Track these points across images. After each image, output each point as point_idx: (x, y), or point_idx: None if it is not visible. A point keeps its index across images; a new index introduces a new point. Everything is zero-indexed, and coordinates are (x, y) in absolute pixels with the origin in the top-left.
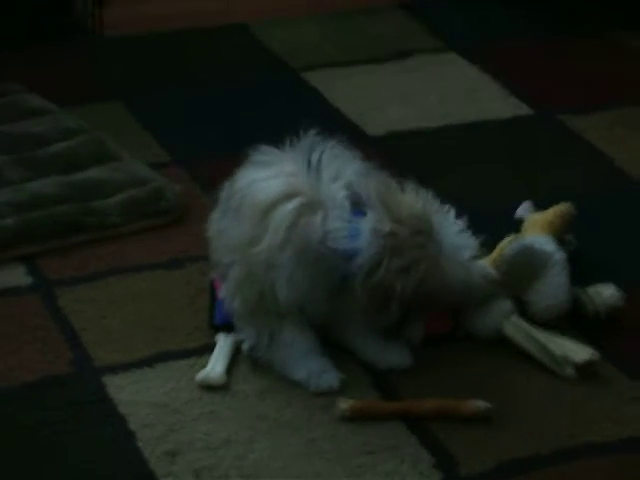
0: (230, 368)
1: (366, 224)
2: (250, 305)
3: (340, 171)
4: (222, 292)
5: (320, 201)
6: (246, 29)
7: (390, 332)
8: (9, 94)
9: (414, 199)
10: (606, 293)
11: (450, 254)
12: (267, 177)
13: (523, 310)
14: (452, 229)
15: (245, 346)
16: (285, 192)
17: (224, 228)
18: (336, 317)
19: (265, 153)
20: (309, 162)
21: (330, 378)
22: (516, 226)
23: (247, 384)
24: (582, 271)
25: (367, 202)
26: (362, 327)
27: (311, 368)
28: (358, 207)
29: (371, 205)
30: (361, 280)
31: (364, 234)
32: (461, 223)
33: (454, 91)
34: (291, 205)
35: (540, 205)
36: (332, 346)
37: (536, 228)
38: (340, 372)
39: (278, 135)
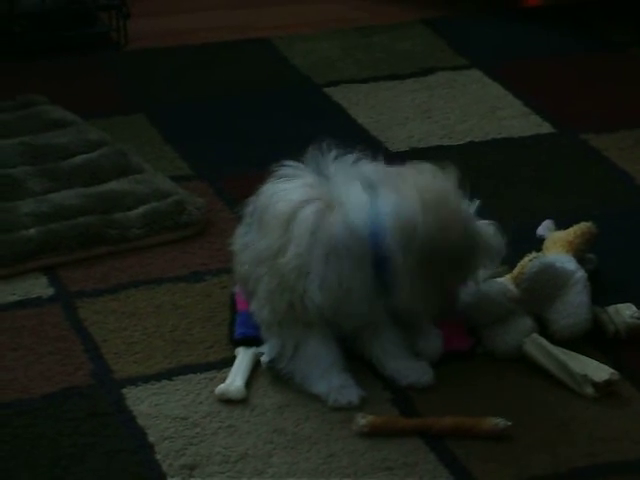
0: (249, 382)
1: (384, 200)
2: (279, 315)
3: (354, 172)
4: (251, 305)
5: (338, 200)
6: (269, 44)
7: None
8: (33, 105)
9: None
10: (626, 313)
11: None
12: (287, 189)
13: (543, 328)
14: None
15: (265, 358)
16: (303, 199)
17: (250, 242)
18: (365, 327)
19: (288, 167)
20: (325, 170)
21: (350, 394)
22: (537, 244)
23: (266, 398)
24: (602, 290)
25: (380, 181)
26: (387, 341)
27: (332, 382)
28: (373, 190)
29: (384, 182)
30: (402, 248)
31: (384, 209)
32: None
33: (476, 108)
34: (310, 209)
35: (561, 224)
36: (354, 361)
37: (557, 247)
38: (360, 388)
39: (301, 150)
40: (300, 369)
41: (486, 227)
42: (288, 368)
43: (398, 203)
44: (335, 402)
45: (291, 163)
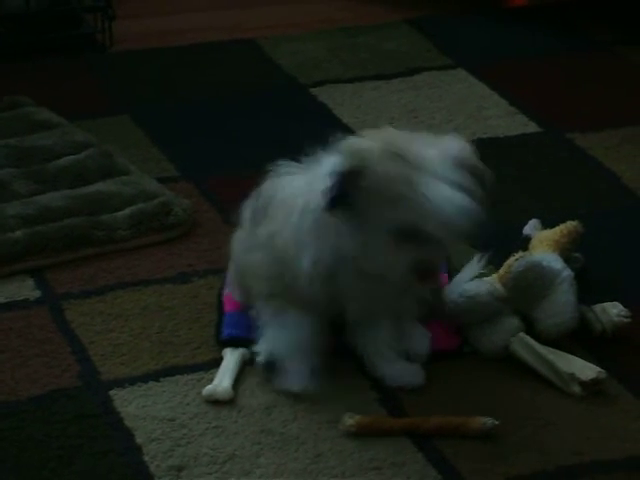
0: (237, 383)
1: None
2: (275, 291)
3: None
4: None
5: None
6: (255, 45)
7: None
8: (18, 107)
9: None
10: (613, 311)
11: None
12: (286, 184)
13: (530, 327)
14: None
15: (260, 359)
16: (299, 192)
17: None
18: (359, 323)
19: (286, 166)
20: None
21: (297, 380)
22: (523, 244)
23: (253, 399)
24: (589, 289)
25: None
26: (379, 342)
27: (294, 365)
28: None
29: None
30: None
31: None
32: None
33: (462, 108)
34: (304, 197)
35: (547, 223)
36: (342, 360)
37: (543, 246)
38: (317, 381)
39: (287, 150)
40: (277, 345)
41: (451, 193)
42: (266, 340)
43: (354, 150)
44: (281, 384)
45: (287, 162)
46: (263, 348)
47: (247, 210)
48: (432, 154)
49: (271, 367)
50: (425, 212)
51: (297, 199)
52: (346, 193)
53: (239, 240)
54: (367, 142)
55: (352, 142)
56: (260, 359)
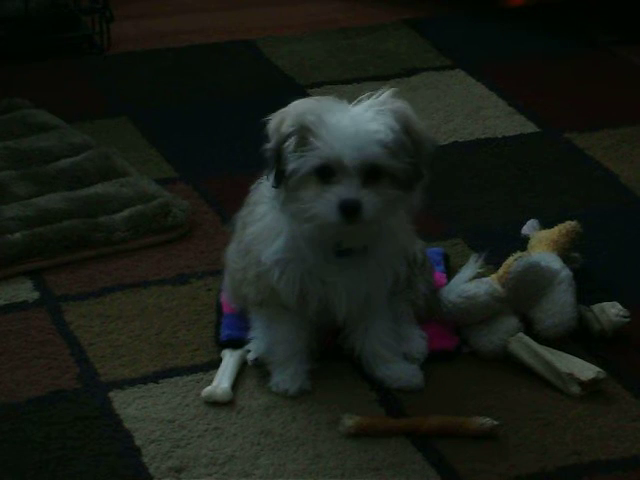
0: (236, 384)
1: None
2: (261, 296)
3: None
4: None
5: None
6: (253, 46)
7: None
8: (16, 109)
9: None
10: (611, 311)
11: None
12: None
13: (529, 327)
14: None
15: (251, 356)
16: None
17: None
18: (356, 325)
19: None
20: None
21: (292, 382)
22: (522, 244)
23: (253, 400)
24: (587, 289)
25: None
26: (378, 344)
27: (287, 370)
28: None
29: None
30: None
31: None
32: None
33: (460, 108)
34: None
35: (546, 223)
36: (341, 361)
37: (542, 246)
38: (308, 382)
39: None
40: (268, 349)
41: (357, 121)
42: (259, 345)
43: None
44: (275, 387)
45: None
46: (254, 347)
47: (238, 221)
48: (359, 104)
49: (260, 364)
50: (332, 142)
51: (264, 201)
52: (279, 166)
53: (231, 251)
54: (282, 111)
55: (272, 120)
56: (250, 356)
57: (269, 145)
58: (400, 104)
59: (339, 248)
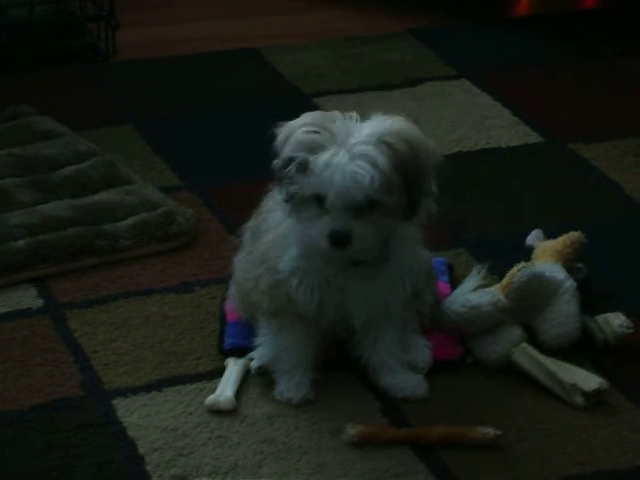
0: (239, 393)
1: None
2: (275, 306)
3: None
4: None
5: None
6: (258, 54)
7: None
8: (21, 117)
9: None
10: (615, 322)
11: None
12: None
13: (532, 338)
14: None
15: (254, 364)
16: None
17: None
18: (363, 336)
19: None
20: None
21: (297, 391)
22: (526, 254)
23: (256, 408)
24: (591, 299)
25: None
26: (384, 353)
27: (293, 379)
28: None
29: None
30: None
31: None
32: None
33: (465, 118)
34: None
35: (550, 233)
36: (345, 371)
37: (546, 256)
38: (313, 392)
39: None
40: (274, 357)
41: (345, 162)
42: (264, 352)
43: None
44: (279, 395)
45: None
46: (259, 355)
47: (247, 231)
48: (359, 129)
49: (263, 373)
50: (321, 179)
51: (279, 210)
52: (288, 187)
53: (240, 261)
54: (288, 127)
55: (279, 135)
56: (254, 364)
57: (277, 163)
58: (404, 132)
59: (350, 260)
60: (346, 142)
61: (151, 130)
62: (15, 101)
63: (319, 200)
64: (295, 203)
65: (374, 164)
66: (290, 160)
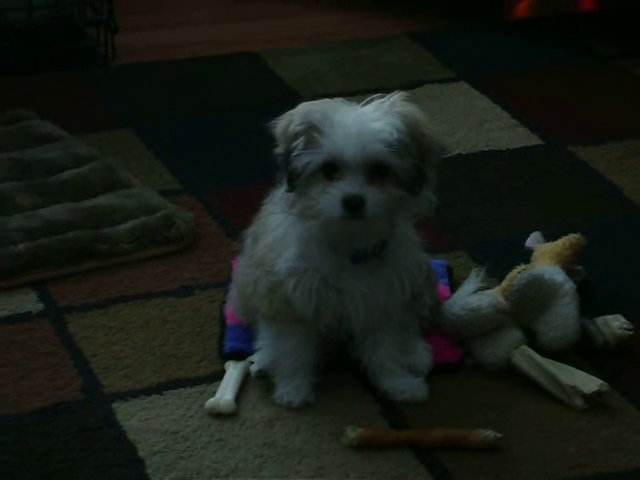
0: (239, 396)
1: None
2: (274, 310)
3: None
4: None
5: None
6: (257, 58)
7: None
8: (21, 120)
9: None
10: (615, 324)
11: None
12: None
13: (532, 340)
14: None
15: (254, 368)
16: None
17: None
18: (363, 339)
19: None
20: None
21: (296, 395)
22: (526, 256)
23: (256, 412)
24: (591, 301)
25: None
26: (384, 357)
27: (293, 382)
28: None
29: None
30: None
31: None
32: None
33: (464, 121)
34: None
35: (549, 236)
36: (345, 374)
37: (545, 258)
38: (312, 395)
39: None
40: (274, 361)
41: (364, 119)
42: (264, 356)
43: None
44: (279, 399)
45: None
46: (258, 359)
47: (248, 237)
48: (367, 106)
49: (263, 376)
50: (336, 139)
51: (276, 213)
52: (293, 169)
53: (242, 266)
54: (289, 113)
55: (279, 123)
56: (254, 367)
57: (278, 149)
58: (409, 107)
59: (353, 252)
60: (356, 110)
61: (150, 134)
62: (14, 105)
63: (330, 169)
64: (301, 185)
65: (389, 122)
66: (297, 135)
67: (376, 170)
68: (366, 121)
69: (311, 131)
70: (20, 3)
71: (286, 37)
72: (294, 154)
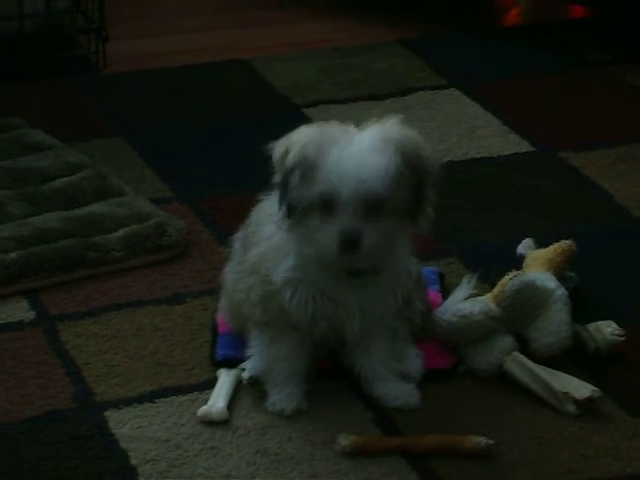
0: (231, 403)
1: None
2: (267, 317)
3: None
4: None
5: None
6: (249, 65)
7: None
8: (12, 129)
9: None
10: (607, 330)
11: None
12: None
13: (524, 346)
14: None
15: (246, 375)
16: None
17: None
18: (355, 345)
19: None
20: None
21: (288, 402)
22: (517, 263)
23: (248, 419)
24: (583, 308)
25: None
26: (377, 363)
27: (285, 389)
28: None
29: None
30: None
31: None
32: None
33: (455, 127)
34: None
35: (541, 242)
36: (337, 380)
37: (537, 265)
38: (305, 402)
39: None
40: (266, 368)
41: (357, 158)
42: (256, 363)
43: None
44: (271, 406)
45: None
46: (250, 366)
47: (237, 242)
48: (363, 134)
49: (255, 383)
50: (332, 175)
51: (271, 223)
52: (290, 199)
53: (230, 272)
54: (286, 140)
55: (276, 150)
56: (245, 374)
57: (276, 178)
58: (405, 132)
59: (350, 269)
60: (352, 141)
61: (142, 142)
62: (6, 113)
63: (326, 205)
64: (298, 214)
65: (385, 156)
66: (293, 169)
67: (372, 205)
68: (362, 155)
69: (307, 166)
70: (11, 11)
71: (277, 44)
72: (291, 186)
